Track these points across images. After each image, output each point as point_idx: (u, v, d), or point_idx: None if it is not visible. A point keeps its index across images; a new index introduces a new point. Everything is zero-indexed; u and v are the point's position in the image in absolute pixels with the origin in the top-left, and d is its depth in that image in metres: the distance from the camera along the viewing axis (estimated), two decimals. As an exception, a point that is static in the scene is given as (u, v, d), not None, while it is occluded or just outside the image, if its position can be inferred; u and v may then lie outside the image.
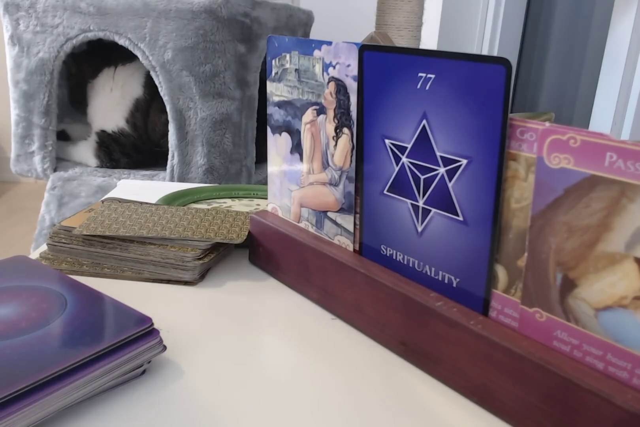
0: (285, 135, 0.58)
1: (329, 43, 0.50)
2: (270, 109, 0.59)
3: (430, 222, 0.45)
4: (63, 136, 1.54)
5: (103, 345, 0.40)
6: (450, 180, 0.42)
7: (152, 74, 1.31)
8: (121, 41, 1.31)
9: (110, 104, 1.41)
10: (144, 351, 0.42)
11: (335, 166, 0.53)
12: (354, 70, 0.48)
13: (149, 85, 1.38)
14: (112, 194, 0.85)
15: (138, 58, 1.32)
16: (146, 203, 0.68)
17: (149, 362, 0.43)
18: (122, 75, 1.41)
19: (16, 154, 1.45)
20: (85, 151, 1.46)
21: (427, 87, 0.42)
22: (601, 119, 2.24)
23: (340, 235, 0.54)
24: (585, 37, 2.39)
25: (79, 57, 1.43)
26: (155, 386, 0.42)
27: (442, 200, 0.43)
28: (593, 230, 0.35)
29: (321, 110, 0.53)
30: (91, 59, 1.44)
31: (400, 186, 0.47)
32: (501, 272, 0.41)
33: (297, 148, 0.57)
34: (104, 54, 1.42)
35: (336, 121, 0.51)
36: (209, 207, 0.79)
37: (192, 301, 0.55)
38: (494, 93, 0.38)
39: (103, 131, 1.43)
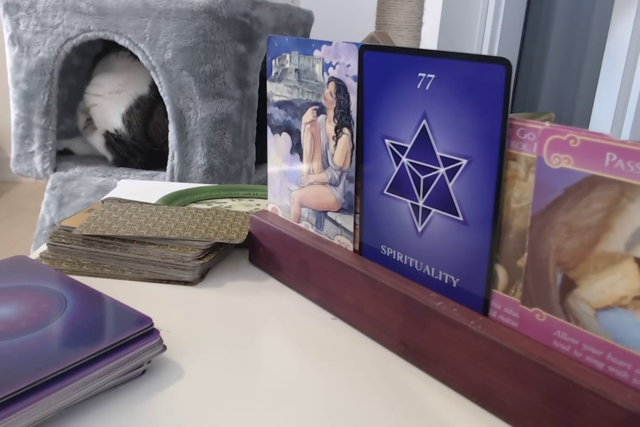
0: (285, 135, 0.58)
1: (329, 43, 0.50)
2: (270, 109, 0.59)
3: (430, 222, 0.45)
4: (66, 153, 1.54)
5: (103, 345, 0.40)
6: (450, 180, 0.42)
7: (152, 74, 1.31)
8: (121, 41, 1.31)
9: (112, 84, 1.39)
10: (144, 351, 0.42)
11: (335, 166, 0.53)
12: (354, 70, 0.48)
13: (156, 86, 1.37)
14: (112, 194, 0.85)
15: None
16: (146, 203, 0.68)
17: (149, 362, 0.43)
18: (134, 68, 1.40)
19: (16, 154, 1.45)
20: (100, 146, 1.46)
21: (427, 87, 0.42)
22: (601, 119, 2.24)
23: (340, 235, 0.54)
24: (585, 37, 2.39)
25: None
26: (155, 386, 0.42)
27: (442, 200, 0.43)
28: (593, 230, 0.35)
29: (321, 110, 0.53)
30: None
31: (400, 186, 0.47)
32: (501, 272, 0.41)
33: (297, 148, 0.57)
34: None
35: (336, 121, 0.51)
36: (209, 207, 0.79)
37: (192, 301, 0.55)
38: (494, 93, 0.38)
39: (107, 131, 1.42)
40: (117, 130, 1.40)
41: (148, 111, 1.41)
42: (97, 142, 1.46)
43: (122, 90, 1.39)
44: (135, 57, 1.39)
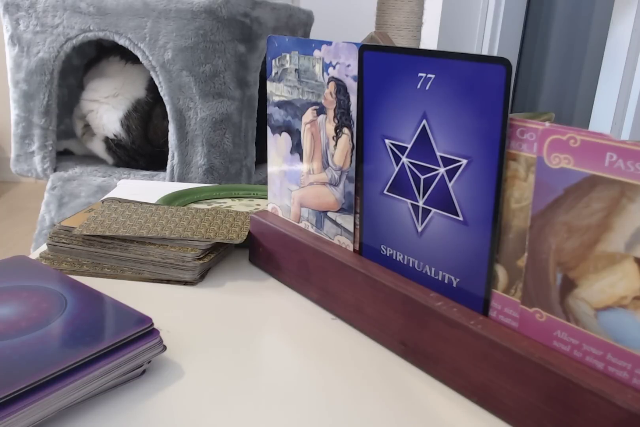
0: (285, 135, 0.58)
1: (329, 43, 0.50)
2: (270, 109, 0.59)
3: (430, 222, 0.45)
4: (67, 153, 1.54)
5: (103, 345, 0.40)
6: (450, 180, 0.42)
7: (152, 74, 1.31)
8: (121, 41, 1.31)
9: (108, 88, 1.39)
10: (144, 351, 0.42)
11: (335, 166, 0.53)
12: (354, 70, 0.48)
13: (153, 89, 1.37)
14: (112, 194, 0.85)
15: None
16: (146, 203, 0.68)
17: (149, 362, 0.43)
18: (128, 71, 1.40)
19: (16, 154, 1.45)
20: (100, 151, 1.46)
21: (427, 87, 0.42)
22: (601, 119, 2.24)
23: (340, 235, 0.54)
24: (585, 37, 2.39)
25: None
26: (155, 386, 0.42)
27: (442, 200, 0.43)
28: (593, 230, 0.35)
29: (321, 110, 0.53)
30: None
31: (400, 186, 0.47)
32: (501, 272, 0.41)
33: (297, 148, 0.57)
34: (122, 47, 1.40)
35: (336, 121, 0.51)
36: (209, 207, 0.79)
37: (192, 301, 0.55)
38: (494, 93, 0.38)
39: (106, 137, 1.42)
40: (116, 135, 1.40)
41: (147, 114, 1.40)
42: (97, 147, 1.45)
43: (118, 93, 1.39)
44: (128, 61, 1.39)
